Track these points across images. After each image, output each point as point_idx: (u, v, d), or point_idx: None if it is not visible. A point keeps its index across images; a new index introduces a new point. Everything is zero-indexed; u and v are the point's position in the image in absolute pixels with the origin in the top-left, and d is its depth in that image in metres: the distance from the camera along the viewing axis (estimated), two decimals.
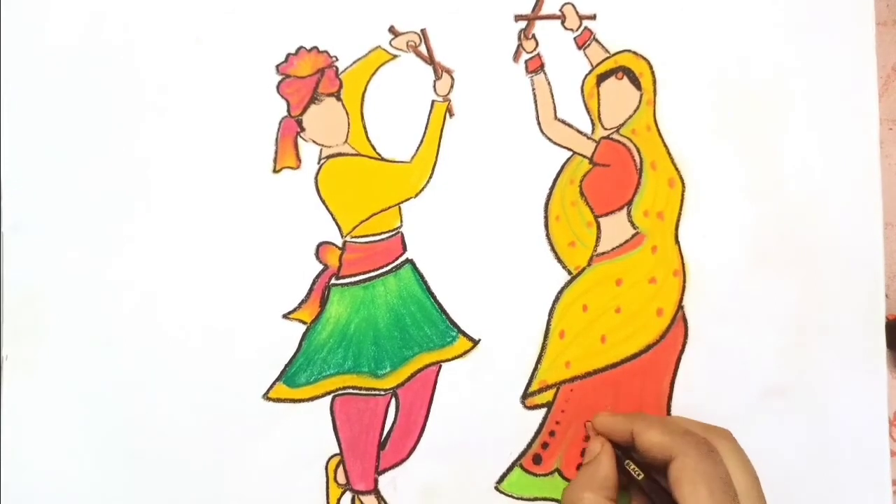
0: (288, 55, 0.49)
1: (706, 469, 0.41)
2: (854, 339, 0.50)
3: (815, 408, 0.50)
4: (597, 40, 0.50)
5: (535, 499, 0.49)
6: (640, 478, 0.44)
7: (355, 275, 0.49)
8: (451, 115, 0.49)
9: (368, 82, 0.49)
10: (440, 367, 0.49)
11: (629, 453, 0.45)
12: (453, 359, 0.49)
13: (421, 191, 0.49)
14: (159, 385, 0.48)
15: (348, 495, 0.49)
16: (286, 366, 0.48)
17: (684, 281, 0.50)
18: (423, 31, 0.49)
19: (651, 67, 0.50)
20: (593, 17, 0.50)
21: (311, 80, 0.49)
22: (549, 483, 0.49)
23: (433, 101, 0.49)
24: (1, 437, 0.47)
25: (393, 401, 0.49)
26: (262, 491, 0.48)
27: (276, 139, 0.49)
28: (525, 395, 0.49)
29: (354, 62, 0.49)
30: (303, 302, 0.48)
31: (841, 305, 0.50)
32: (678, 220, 0.50)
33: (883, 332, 0.50)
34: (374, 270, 0.49)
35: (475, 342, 0.49)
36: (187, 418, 0.48)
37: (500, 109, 0.49)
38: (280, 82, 0.49)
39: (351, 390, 0.49)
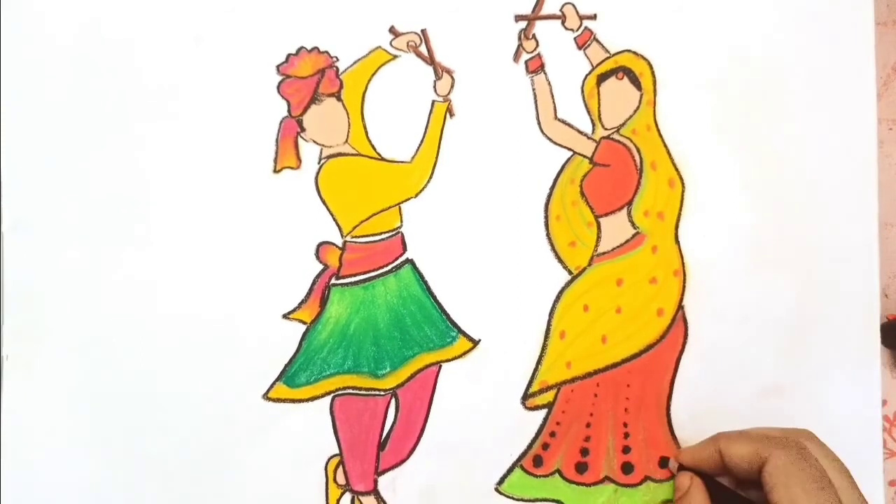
0: (288, 55, 0.49)
1: (798, 468, 0.41)
2: (851, 338, 0.50)
3: (812, 407, 0.50)
4: (597, 40, 0.50)
5: (536, 500, 0.49)
6: (741, 501, 0.44)
7: (355, 275, 0.49)
8: (452, 115, 0.49)
9: (369, 82, 0.49)
10: (440, 367, 0.49)
11: (717, 482, 0.45)
12: (453, 359, 0.49)
13: (421, 191, 0.49)
14: (159, 385, 0.48)
15: (348, 496, 0.49)
16: (286, 366, 0.48)
17: (684, 281, 0.50)
18: (423, 31, 0.49)
19: (651, 67, 0.50)
20: (593, 18, 0.50)
21: (311, 81, 0.49)
22: (549, 484, 0.49)
23: (433, 102, 0.49)
24: (1, 437, 0.47)
25: (393, 401, 0.49)
26: (262, 491, 0.48)
27: (277, 139, 0.49)
28: (525, 396, 0.49)
29: (355, 62, 0.49)
30: (303, 302, 0.48)
31: (839, 305, 0.50)
32: (678, 220, 0.50)
33: (878, 331, 0.50)
34: (374, 270, 0.49)
35: (475, 342, 0.49)
36: (187, 418, 0.48)
37: (500, 109, 0.49)
38: (280, 82, 0.49)
39: (351, 390, 0.49)
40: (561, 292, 0.49)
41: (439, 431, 0.49)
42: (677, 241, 0.50)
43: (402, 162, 0.49)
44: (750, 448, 0.43)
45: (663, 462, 0.49)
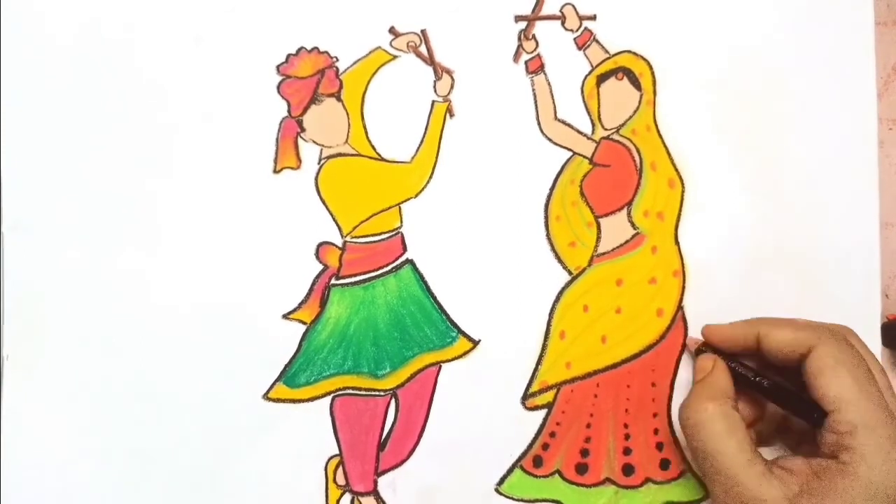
0: (288, 55, 0.49)
1: (849, 357, 0.40)
2: None
3: None
4: (597, 41, 0.50)
5: (536, 500, 0.49)
6: (767, 384, 0.44)
7: (355, 275, 0.49)
8: (452, 115, 0.49)
9: (369, 83, 0.49)
10: (440, 367, 0.49)
11: (739, 365, 0.45)
12: (453, 359, 0.49)
13: (421, 191, 0.49)
14: (159, 385, 0.48)
15: (347, 496, 0.48)
16: (286, 366, 0.48)
17: (684, 281, 0.50)
18: (423, 31, 0.49)
19: (651, 68, 0.50)
20: (593, 18, 0.50)
21: (311, 81, 0.49)
22: (549, 484, 0.49)
23: (433, 102, 0.49)
24: (1, 437, 0.47)
25: (393, 402, 0.49)
26: (261, 491, 0.48)
27: (277, 139, 0.49)
28: (525, 396, 0.49)
29: (355, 63, 0.49)
30: (303, 302, 0.48)
31: (839, 305, 0.50)
32: (678, 221, 0.50)
33: (878, 331, 0.50)
34: (374, 270, 0.49)
35: (475, 343, 0.49)
36: (187, 418, 0.48)
37: (500, 110, 0.49)
38: (280, 83, 0.49)
39: (351, 391, 0.49)
40: (561, 292, 0.49)
41: (439, 432, 0.49)
42: (677, 242, 0.50)
43: (402, 162, 0.49)
44: (796, 334, 0.42)
45: (664, 464, 0.49)
